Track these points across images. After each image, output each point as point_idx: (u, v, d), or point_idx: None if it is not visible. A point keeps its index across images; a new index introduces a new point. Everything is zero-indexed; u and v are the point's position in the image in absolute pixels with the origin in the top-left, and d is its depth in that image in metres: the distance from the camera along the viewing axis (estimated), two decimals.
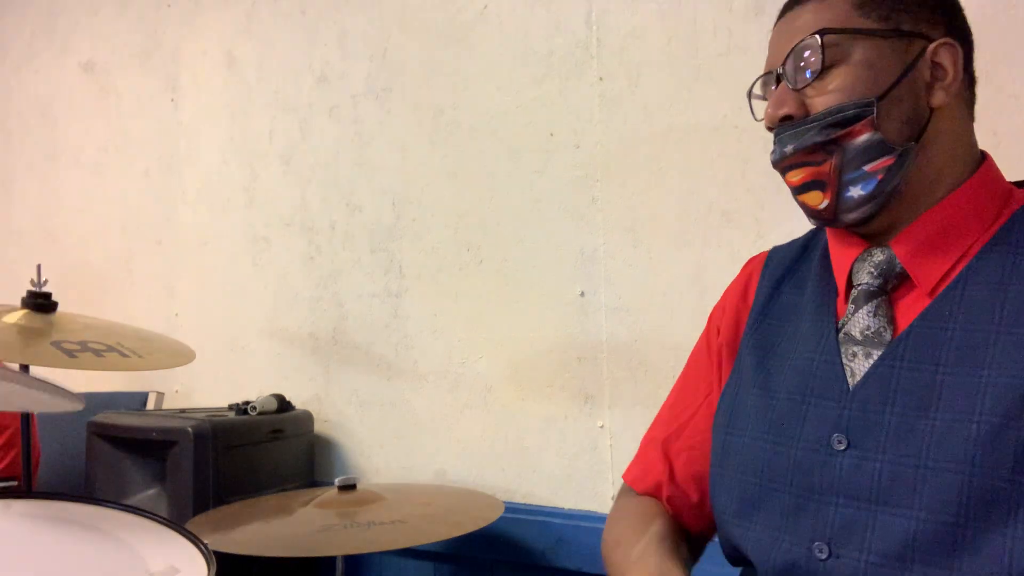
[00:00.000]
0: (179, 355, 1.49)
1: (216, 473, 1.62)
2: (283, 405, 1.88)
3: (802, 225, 0.87)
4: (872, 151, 0.76)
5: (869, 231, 0.81)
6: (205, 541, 0.97)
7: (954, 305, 0.73)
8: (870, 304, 0.79)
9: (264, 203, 2.08)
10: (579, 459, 1.58)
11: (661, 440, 0.96)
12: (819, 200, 0.79)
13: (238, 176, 2.13)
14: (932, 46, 0.77)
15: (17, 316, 1.40)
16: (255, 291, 2.08)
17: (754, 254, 0.98)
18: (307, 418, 1.92)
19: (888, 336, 0.76)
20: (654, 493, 0.96)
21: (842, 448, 0.75)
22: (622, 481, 1.01)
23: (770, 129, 0.82)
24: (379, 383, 1.86)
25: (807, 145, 0.78)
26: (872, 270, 0.79)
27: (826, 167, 0.77)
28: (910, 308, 0.77)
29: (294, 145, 2.03)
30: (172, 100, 2.28)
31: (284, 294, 2.03)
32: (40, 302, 1.44)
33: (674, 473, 0.94)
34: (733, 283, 0.97)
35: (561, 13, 1.62)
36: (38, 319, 1.41)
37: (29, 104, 2.67)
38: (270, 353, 2.05)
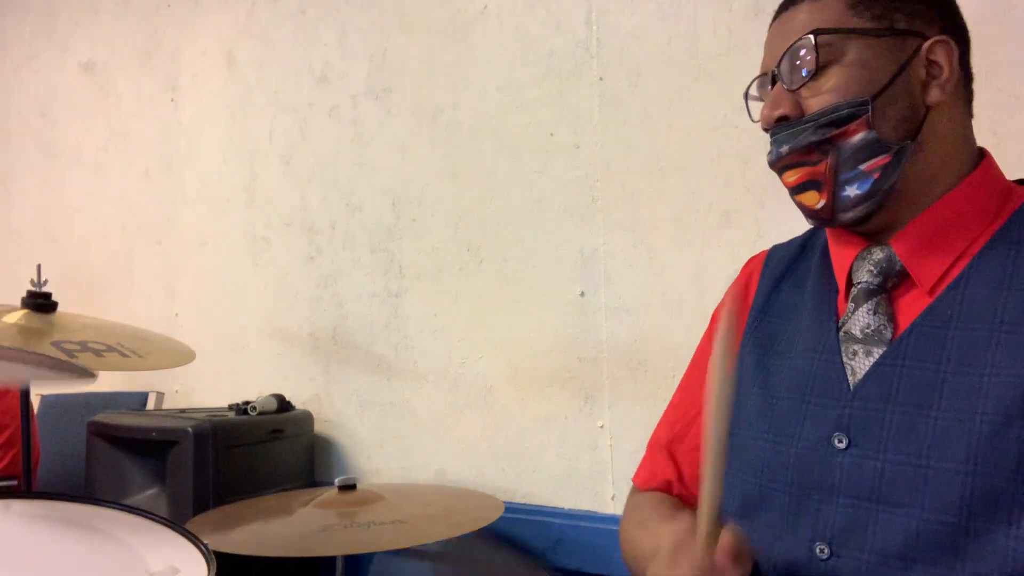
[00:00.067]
0: (179, 355, 1.50)
1: (216, 473, 1.62)
2: (283, 405, 1.88)
3: (802, 225, 0.87)
4: (868, 150, 0.76)
5: (868, 230, 0.81)
6: (205, 541, 0.97)
7: (956, 304, 0.73)
8: (870, 302, 0.78)
9: (264, 203, 2.08)
10: (579, 459, 1.58)
11: (666, 442, 0.97)
12: (816, 200, 0.79)
13: (238, 176, 2.13)
14: (927, 44, 0.77)
15: (17, 316, 1.40)
16: (255, 291, 2.08)
17: (754, 254, 0.98)
18: (307, 418, 1.91)
19: (888, 334, 0.76)
20: (664, 491, 0.97)
21: (843, 447, 0.75)
22: (623, 481, 1.01)
23: (766, 130, 0.82)
24: (379, 383, 1.86)
25: (803, 145, 0.78)
26: (872, 268, 0.79)
27: (822, 167, 0.77)
28: (910, 306, 0.77)
29: (294, 145, 2.03)
30: (172, 100, 2.28)
31: (284, 294, 2.03)
32: (40, 302, 1.44)
33: (682, 474, 0.95)
34: (734, 283, 0.97)
35: (561, 13, 1.62)
36: (38, 319, 1.41)
37: (29, 104, 2.67)
38: (270, 353, 2.04)
